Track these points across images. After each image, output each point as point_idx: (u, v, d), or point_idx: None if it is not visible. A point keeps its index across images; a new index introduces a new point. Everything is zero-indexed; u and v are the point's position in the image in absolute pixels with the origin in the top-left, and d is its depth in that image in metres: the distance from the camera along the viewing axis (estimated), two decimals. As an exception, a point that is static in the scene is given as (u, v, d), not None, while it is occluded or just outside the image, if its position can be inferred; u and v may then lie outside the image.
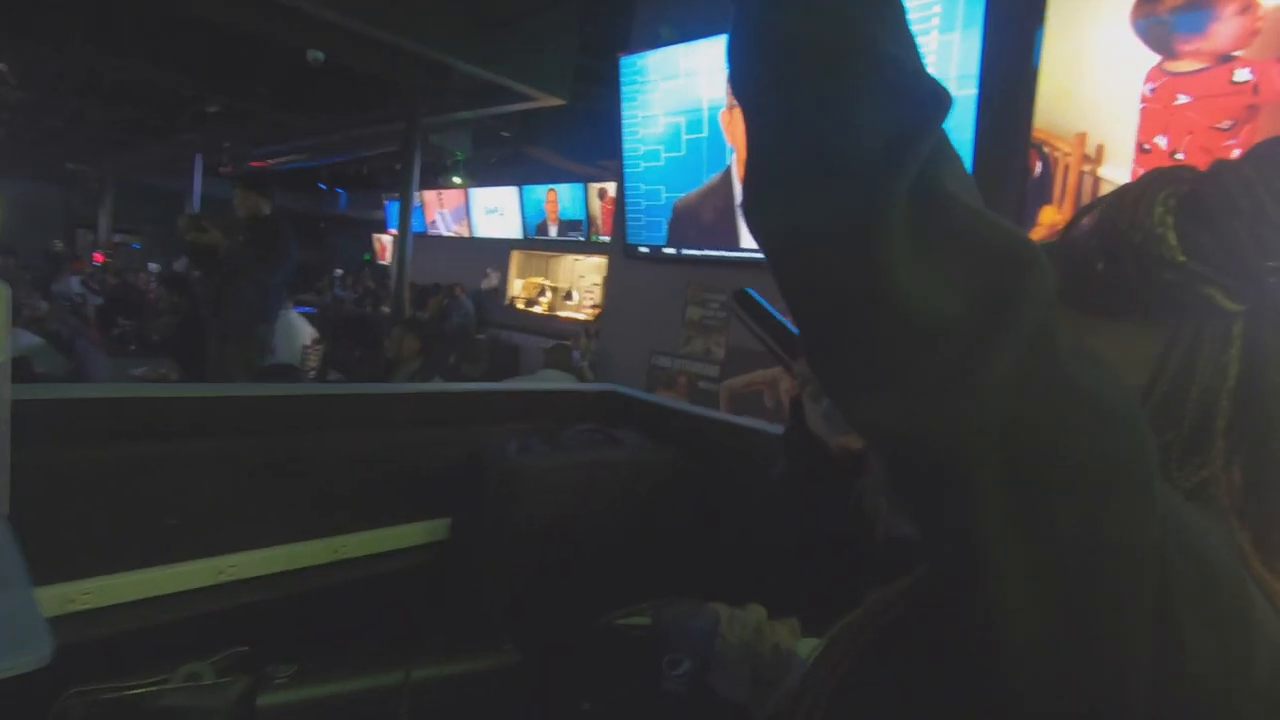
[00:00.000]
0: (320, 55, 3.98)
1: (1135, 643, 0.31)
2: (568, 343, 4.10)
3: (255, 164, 8.66)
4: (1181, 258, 0.39)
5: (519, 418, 1.18)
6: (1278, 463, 0.39)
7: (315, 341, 6.56)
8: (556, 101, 4.53)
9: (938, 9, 1.93)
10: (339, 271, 11.09)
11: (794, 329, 0.73)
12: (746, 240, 2.52)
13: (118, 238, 12.28)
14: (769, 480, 0.84)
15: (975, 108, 1.91)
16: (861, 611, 0.52)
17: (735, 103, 2.48)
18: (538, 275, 9.66)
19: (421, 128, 5.22)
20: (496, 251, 9.29)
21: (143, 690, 0.72)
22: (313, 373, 6.19)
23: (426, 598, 1.06)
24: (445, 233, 9.68)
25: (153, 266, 9.00)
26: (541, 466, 0.99)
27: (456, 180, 8.11)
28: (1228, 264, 0.38)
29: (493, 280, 9.40)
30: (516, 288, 9.53)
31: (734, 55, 0.37)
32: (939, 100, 0.34)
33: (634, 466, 1.10)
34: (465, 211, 9.17)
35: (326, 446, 1.00)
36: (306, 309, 7.10)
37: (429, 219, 9.79)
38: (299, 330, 5.70)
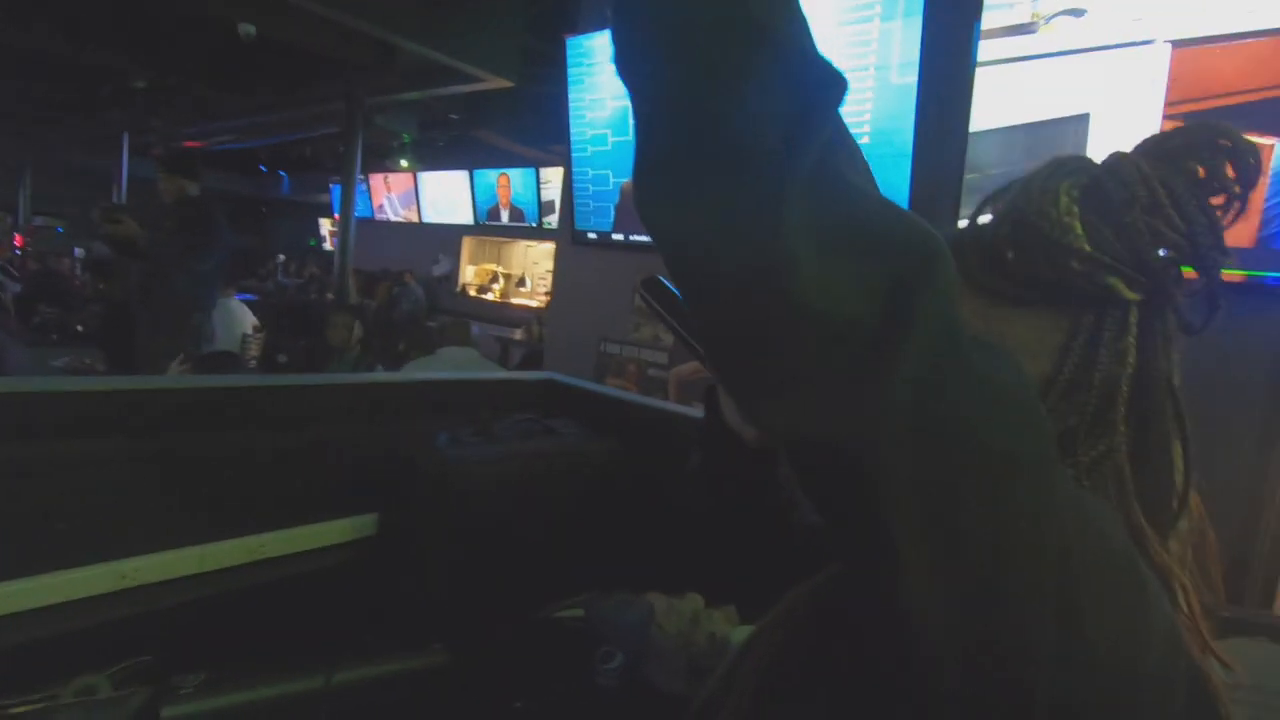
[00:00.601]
0: (252, 29, 3.79)
1: (1039, 626, 0.31)
2: (465, 321, 4.12)
3: (188, 144, 8.25)
4: (1087, 248, 0.40)
5: (451, 409, 1.14)
6: (1164, 444, 0.42)
7: (257, 330, 6.32)
8: (505, 84, 4.43)
9: (881, -5, 1.94)
10: (282, 257, 10.70)
11: None
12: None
13: (39, 220, 11.57)
14: (686, 471, 0.83)
15: (916, 97, 1.92)
16: (780, 608, 0.52)
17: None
18: (490, 262, 9.50)
19: (364, 109, 5.04)
20: (447, 237, 9.09)
21: (27, 708, 0.66)
22: (253, 362, 5.96)
23: (352, 598, 1.01)
24: (394, 218, 9.43)
25: (78, 252, 8.51)
26: (472, 459, 0.96)
27: (403, 163, 7.89)
28: (1127, 255, 0.40)
29: (444, 267, 9.21)
30: (468, 274, 9.35)
31: (618, 27, 0.35)
32: (836, 82, 0.33)
33: (571, 457, 1.08)
34: (414, 196, 8.94)
35: (243, 442, 0.95)
36: (247, 296, 6.83)
37: (376, 204, 9.52)
38: (239, 318, 5.47)
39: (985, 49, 1.82)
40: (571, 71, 2.79)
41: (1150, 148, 0.43)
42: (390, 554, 1.01)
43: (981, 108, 1.84)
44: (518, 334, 7.46)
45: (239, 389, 0.98)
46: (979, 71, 1.83)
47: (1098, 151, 1.48)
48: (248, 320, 5.68)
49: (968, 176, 1.87)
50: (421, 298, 8.96)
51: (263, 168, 10.58)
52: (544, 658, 0.93)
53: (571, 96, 2.81)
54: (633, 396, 1.28)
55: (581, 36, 2.74)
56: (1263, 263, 1.52)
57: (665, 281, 0.72)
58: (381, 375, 1.47)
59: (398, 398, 1.12)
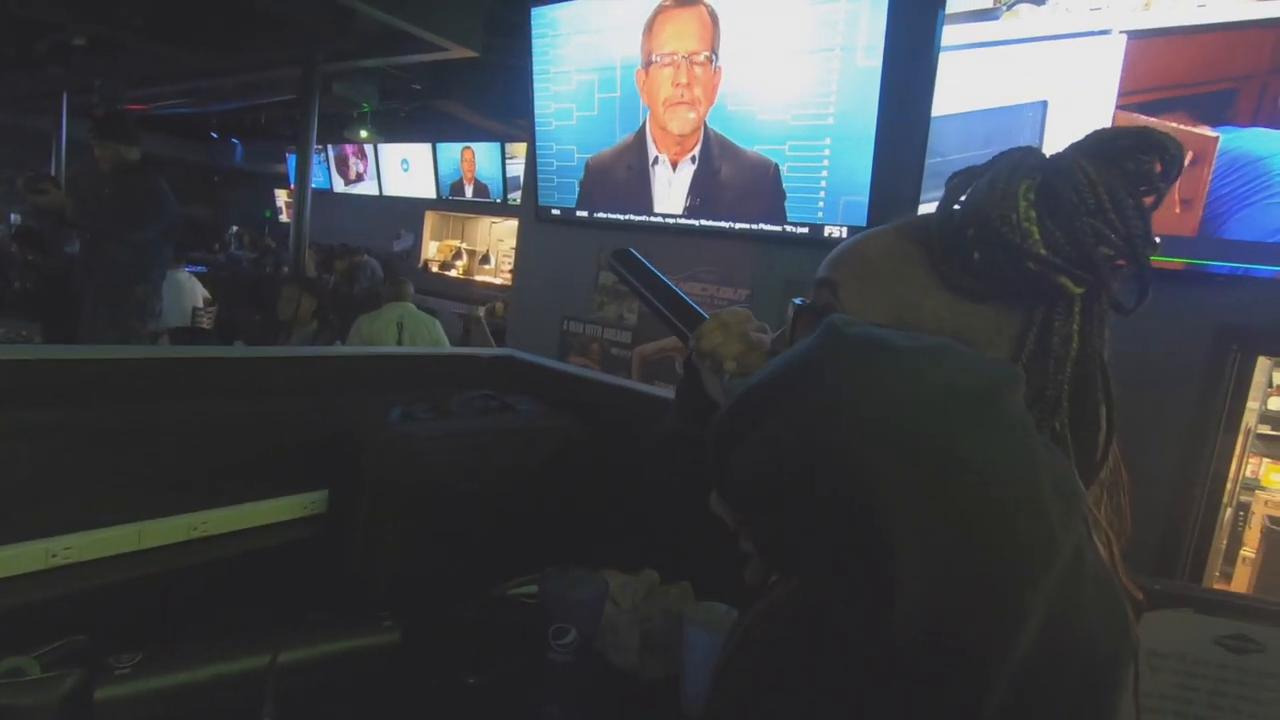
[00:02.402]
0: (201, -14, 3.60)
1: (1020, 613, 0.34)
2: (403, 279, 4.21)
3: (132, 106, 7.86)
4: (1042, 250, 0.45)
5: (406, 384, 1.12)
6: (1095, 410, 0.48)
7: (208, 303, 6.13)
8: (468, 53, 4.32)
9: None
10: (235, 228, 10.34)
11: (678, 290, 0.71)
12: (660, 204, 2.49)
13: (-29, 184, 10.95)
14: (656, 438, 0.83)
15: (880, 81, 1.93)
16: (756, 612, 0.58)
17: (650, 61, 2.42)
18: (453, 238, 9.33)
19: (322, 75, 4.86)
20: (409, 211, 8.89)
21: (-52, 692, 0.63)
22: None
23: (301, 576, 0.99)
24: (355, 190, 9.17)
25: (14, 218, 8.08)
26: (425, 435, 0.94)
27: (363, 134, 7.65)
28: (1075, 254, 0.45)
29: (405, 242, 9.01)
30: (431, 250, 9.17)
31: None
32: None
33: (528, 434, 1.07)
34: (375, 168, 8.70)
35: (185, 415, 0.91)
36: (198, 268, 6.59)
37: (349, 175, 9.20)
38: (188, 291, 5.28)
39: (949, 34, 1.83)
40: (536, 43, 2.72)
41: (1092, 147, 0.47)
42: (341, 531, 0.99)
43: (943, 93, 1.85)
44: (480, 311, 7.36)
45: (182, 360, 0.95)
46: (942, 57, 1.84)
47: (1055, 139, 1.51)
48: (198, 293, 5.48)
49: (929, 161, 1.89)
50: (380, 274, 8.76)
51: (214, 134, 10.15)
52: (497, 635, 0.93)
53: (535, 69, 2.75)
54: (592, 373, 1.27)
55: (546, 7, 2.68)
56: (1204, 251, 1.58)
57: (635, 253, 0.71)
58: (333, 349, 1.43)
59: (350, 372, 1.09)
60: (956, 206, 0.49)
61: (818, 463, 0.34)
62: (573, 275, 2.86)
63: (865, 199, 2.02)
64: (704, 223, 2.40)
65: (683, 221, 2.46)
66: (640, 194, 2.57)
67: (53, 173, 7.45)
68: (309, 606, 0.87)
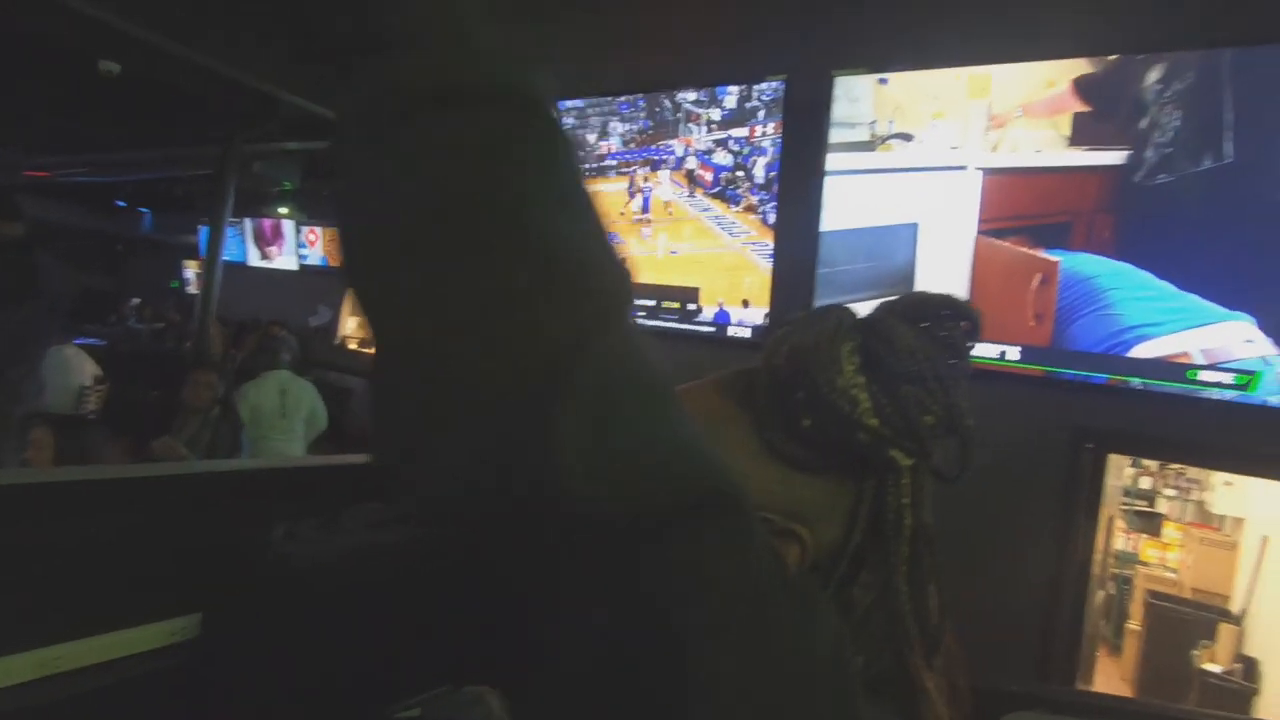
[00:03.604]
0: (115, 67, 3.57)
1: None
2: (278, 343, 4.54)
3: (32, 173, 7.51)
4: (873, 421, 0.44)
5: (294, 497, 1.10)
6: (923, 584, 0.47)
7: (98, 380, 5.71)
8: (394, 142, 4.39)
9: None
10: (136, 300, 9.81)
11: None
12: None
13: None
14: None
15: (775, 199, 2.12)
16: None
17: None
18: (374, 314, 9.15)
19: (241, 155, 4.82)
20: (329, 287, 8.71)
21: None
22: (93, 415, 5.37)
23: (169, 708, 0.93)
24: (272, 265, 8.93)
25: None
26: (310, 555, 0.93)
27: (283, 211, 7.55)
28: (902, 424, 0.44)
29: (322, 317, 8.78)
30: (350, 326, 8.96)
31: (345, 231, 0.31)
32: (618, 290, 0.31)
33: (422, 547, 1.06)
34: (294, 242, 8.54)
35: (37, 539, 0.87)
36: (91, 340, 6.18)
37: (264, 249, 8.96)
38: (75, 368, 4.93)
39: (833, 160, 2.03)
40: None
41: (905, 311, 0.48)
42: (215, 659, 0.94)
43: (832, 211, 2.04)
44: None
45: (27, 486, 0.90)
46: (828, 181, 2.04)
47: (927, 256, 1.68)
48: (86, 370, 5.12)
49: (820, 270, 2.06)
50: (296, 350, 8.46)
51: (121, 203, 9.76)
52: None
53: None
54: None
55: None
56: (1055, 360, 1.76)
57: None
58: (213, 463, 1.38)
59: (230, 487, 1.06)
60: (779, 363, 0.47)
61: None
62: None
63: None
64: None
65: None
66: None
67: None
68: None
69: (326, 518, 1.01)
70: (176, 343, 7.93)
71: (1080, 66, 1.70)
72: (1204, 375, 1.59)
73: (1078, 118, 1.71)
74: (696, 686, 0.27)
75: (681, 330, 2.33)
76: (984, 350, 1.83)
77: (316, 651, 0.94)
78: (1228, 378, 1.57)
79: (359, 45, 0.30)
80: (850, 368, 0.44)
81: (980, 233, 1.84)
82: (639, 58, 2.47)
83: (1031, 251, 1.77)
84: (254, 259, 9.05)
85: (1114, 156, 1.67)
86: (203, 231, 9.07)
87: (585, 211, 0.31)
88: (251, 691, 0.92)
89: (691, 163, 2.31)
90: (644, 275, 2.40)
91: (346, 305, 8.90)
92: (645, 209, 2.42)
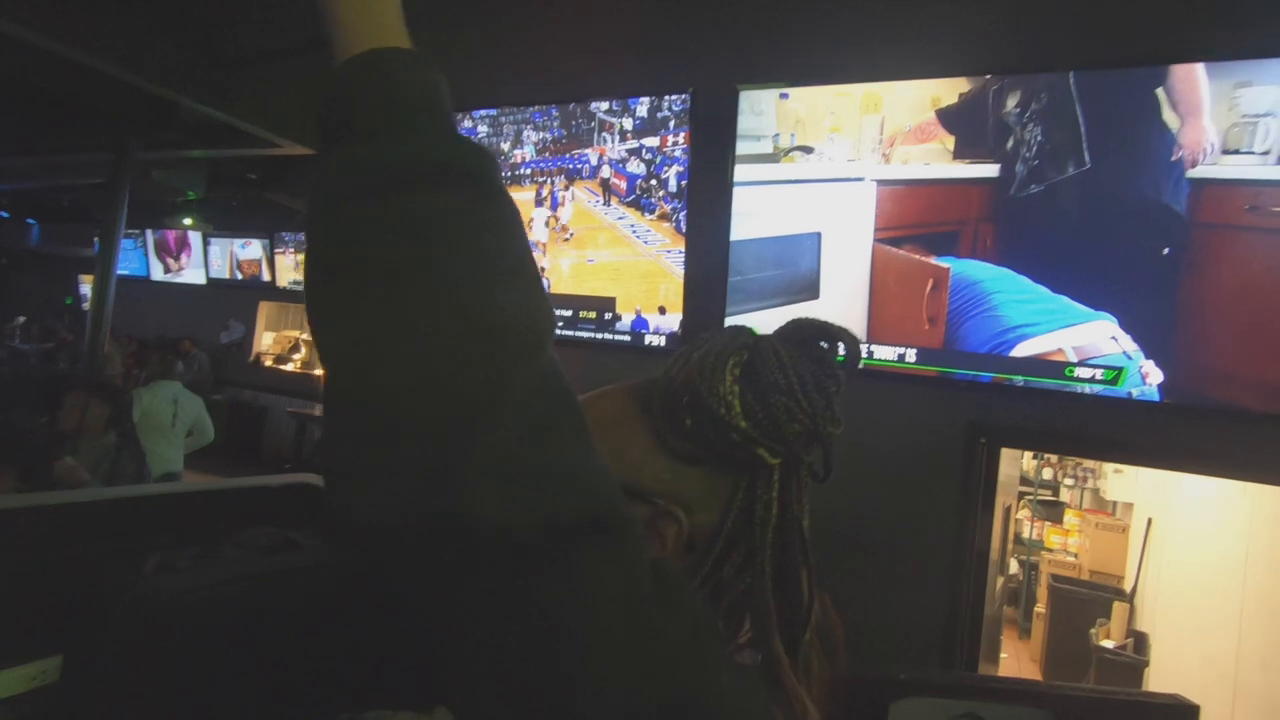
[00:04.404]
0: (-11, 70, 3.30)
1: None
2: (172, 355, 4.77)
3: (-102, 183, 6.85)
4: (743, 424, 0.50)
5: (171, 527, 1.04)
6: (795, 574, 0.53)
7: (-23, 407, 5.27)
8: (304, 151, 4.24)
9: None
10: (22, 319, 9.08)
11: None
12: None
13: None
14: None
15: (684, 209, 2.16)
16: None
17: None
18: (292, 328, 8.78)
19: (138, 162, 4.55)
20: (241, 301, 8.29)
21: None
22: (-31, 446, 4.92)
23: (28, 760, 0.86)
24: (177, 279, 8.43)
25: None
26: (183, 588, 0.88)
27: (187, 222, 7.15)
28: (771, 429, 0.50)
29: (234, 333, 8.36)
30: (266, 342, 8.56)
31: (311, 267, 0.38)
32: (539, 329, 0.38)
33: (311, 574, 1.02)
34: (201, 254, 8.10)
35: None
36: (-32, 364, 5.68)
37: (167, 262, 8.44)
38: (-52, 394, 4.54)
39: (740, 172, 2.09)
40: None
41: (790, 333, 0.55)
42: (78, 703, 0.88)
43: (740, 221, 2.10)
44: (318, 409, 6.91)
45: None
46: (736, 191, 2.09)
47: (829, 264, 1.74)
48: (-40, 397, 4.73)
49: (731, 278, 2.11)
50: (207, 367, 8.03)
51: (4, 214, 9.04)
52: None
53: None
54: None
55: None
56: (948, 361, 1.86)
57: None
58: (75, 494, 1.30)
59: (96, 518, 1.00)
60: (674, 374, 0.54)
61: None
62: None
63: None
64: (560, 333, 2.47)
65: (515, 327, 2.52)
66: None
67: None
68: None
69: (208, 546, 0.96)
70: (70, 363, 7.39)
71: (958, 85, 1.81)
72: (1079, 372, 1.71)
73: (958, 134, 1.82)
74: (584, 682, 0.33)
75: (599, 340, 2.34)
76: (884, 353, 1.92)
77: (191, 690, 0.89)
78: (1099, 373, 1.70)
79: (335, 134, 0.39)
80: (730, 378, 0.51)
81: (877, 240, 1.93)
82: (552, 68, 2.48)
83: (924, 258, 1.87)
84: (157, 273, 8.54)
85: (990, 169, 1.78)
86: (98, 244, 8.48)
87: (513, 264, 0.38)
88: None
89: (606, 171, 2.32)
90: (562, 285, 2.40)
91: (261, 320, 8.50)
92: (559, 217, 2.42)
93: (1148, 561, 4.02)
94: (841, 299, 1.95)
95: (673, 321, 2.22)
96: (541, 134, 2.45)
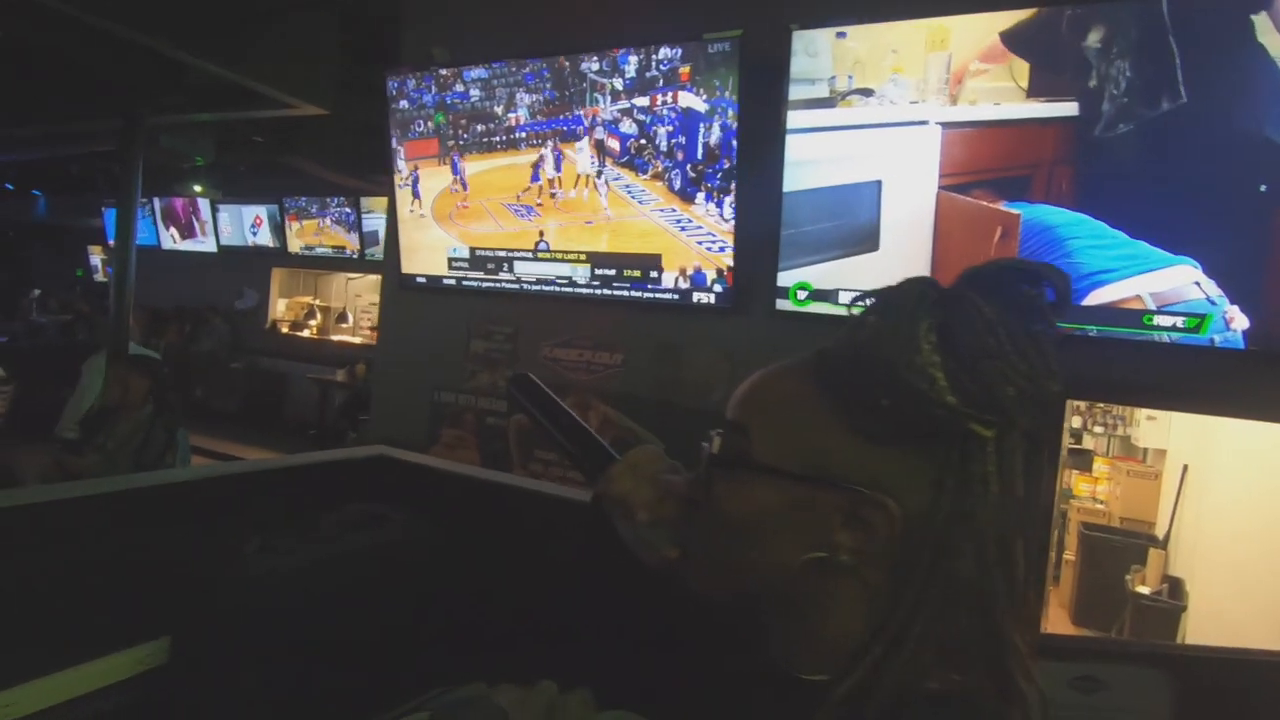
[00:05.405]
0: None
1: None
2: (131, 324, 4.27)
3: (-97, 155, 6.76)
4: (951, 399, 0.45)
5: (263, 503, 1.01)
6: (1012, 546, 0.46)
7: (2, 381, 5.31)
8: (317, 111, 4.13)
9: None
10: (37, 292, 9.06)
11: (582, 422, 0.69)
12: (535, 269, 2.48)
13: None
14: (570, 552, 0.80)
15: (735, 161, 2.07)
16: None
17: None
18: (305, 294, 8.74)
19: (147, 128, 4.44)
20: (254, 268, 8.22)
21: None
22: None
23: (141, 743, 0.85)
24: (188, 247, 8.34)
25: None
26: (288, 568, 0.85)
27: (197, 189, 7.04)
28: (983, 397, 0.45)
29: (248, 300, 8.32)
30: (280, 309, 8.52)
31: None
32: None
33: (404, 548, 1.00)
34: (212, 222, 7.99)
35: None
36: (-11, 338, 5.69)
37: (181, 231, 8.34)
38: (-28, 369, 4.55)
39: (794, 118, 1.99)
40: (395, 114, 2.66)
41: (987, 280, 0.48)
42: (190, 686, 0.86)
43: (794, 171, 2.01)
44: (339, 375, 6.90)
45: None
46: (789, 139, 2.00)
47: (890, 214, 1.65)
48: (-14, 371, 4.74)
49: (784, 232, 2.03)
50: (226, 335, 8.03)
51: (9, 185, 8.94)
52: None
53: (394, 138, 2.68)
54: (469, 470, 1.22)
55: (405, 78, 2.63)
56: (1018, 313, 1.80)
57: (535, 380, 0.69)
58: (173, 473, 1.27)
59: (194, 497, 0.97)
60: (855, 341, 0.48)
61: None
62: (442, 343, 2.76)
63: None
64: (578, 290, 2.41)
65: (556, 289, 2.46)
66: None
67: None
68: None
69: (302, 524, 0.94)
70: (88, 335, 7.40)
71: (1033, 17, 1.70)
72: (1158, 320, 1.65)
73: (1034, 70, 1.71)
74: None
75: (644, 300, 2.29)
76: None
77: (297, 668, 0.88)
78: (1180, 321, 1.63)
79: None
80: (927, 347, 0.45)
81: (941, 188, 1.85)
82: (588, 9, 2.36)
83: (993, 205, 1.79)
84: (167, 242, 8.46)
85: (1069, 108, 1.68)
86: (108, 215, 8.38)
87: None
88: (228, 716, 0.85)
89: (600, 132, 2.28)
90: (562, 244, 2.37)
91: (275, 287, 8.45)
92: (553, 178, 2.37)
93: (1182, 508, 4.01)
94: (902, 250, 1.87)
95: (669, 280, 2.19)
96: (534, 95, 2.36)
